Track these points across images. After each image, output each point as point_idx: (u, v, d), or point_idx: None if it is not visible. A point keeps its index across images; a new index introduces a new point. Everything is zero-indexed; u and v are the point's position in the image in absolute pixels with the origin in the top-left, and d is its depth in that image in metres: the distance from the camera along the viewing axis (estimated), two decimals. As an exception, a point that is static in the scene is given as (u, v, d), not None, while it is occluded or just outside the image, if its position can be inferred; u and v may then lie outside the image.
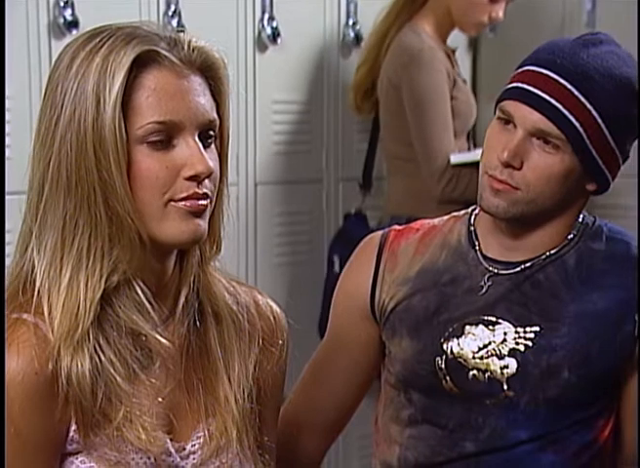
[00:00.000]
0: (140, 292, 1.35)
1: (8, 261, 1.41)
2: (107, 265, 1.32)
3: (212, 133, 1.36)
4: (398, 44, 2.98)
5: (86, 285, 1.31)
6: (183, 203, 1.32)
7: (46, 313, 1.31)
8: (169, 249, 1.38)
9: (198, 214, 1.34)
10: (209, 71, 1.36)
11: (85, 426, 1.32)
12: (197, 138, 1.33)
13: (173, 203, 1.32)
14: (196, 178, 1.32)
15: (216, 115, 1.36)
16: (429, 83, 2.92)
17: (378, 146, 3.20)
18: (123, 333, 1.33)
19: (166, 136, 1.32)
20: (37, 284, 1.32)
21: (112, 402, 1.32)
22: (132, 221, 1.31)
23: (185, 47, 1.34)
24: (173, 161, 1.32)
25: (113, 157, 1.29)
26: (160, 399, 1.36)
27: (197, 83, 1.34)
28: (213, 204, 1.37)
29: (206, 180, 1.34)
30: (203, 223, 1.35)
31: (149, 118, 1.31)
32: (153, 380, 1.36)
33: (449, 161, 2.89)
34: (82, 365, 1.29)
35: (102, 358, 1.31)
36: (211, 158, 1.34)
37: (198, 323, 1.42)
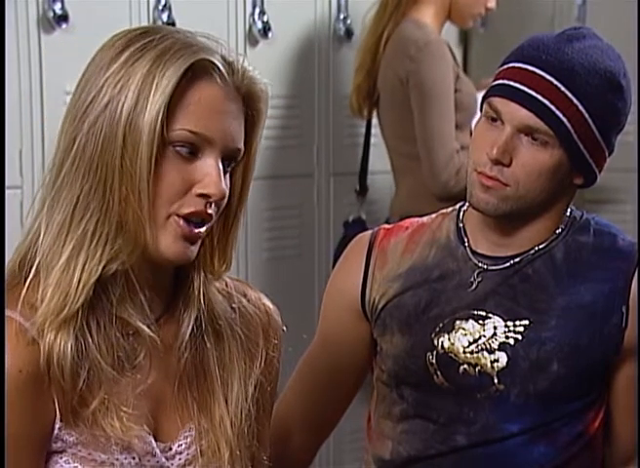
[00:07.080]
0: (135, 283, 1.35)
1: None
2: (108, 252, 1.31)
3: (233, 162, 1.36)
4: (401, 37, 2.92)
5: (83, 266, 1.31)
6: (183, 224, 1.32)
7: (40, 290, 1.31)
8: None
9: (192, 240, 1.34)
10: (251, 101, 1.37)
11: (66, 411, 1.31)
12: (220, 161, 1.33)
13: (175, 218, 1.32)
14: (206, 198, 1.32)
15: (242, 145, 1.35)
16: (438, 75, 2.86)
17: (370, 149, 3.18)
18: (114, 321, 1.33)
19: (193, 148, 1.31)
20: (38, 257, 1.32)
21: (92, 386, 1.31)
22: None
23: (240, 71, 1.35)
24: (191, 174, 1.31)
25: (143, 151, 1.28)
26: (139, 390, 1.34)
27: (237, 108, 1.35)
28: (211, 224, 1.36)
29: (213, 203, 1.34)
30: (194, 248, 1.35)
31: (185, 125, 1.30)
32: (139, 376, 1.35)
33: (452, 156, 2.83)
34: (65, 344, 1.29)
35: (90, 341, 1.30)
36: (225, 184, 1.34)
37: (198, 339, 1.40)
